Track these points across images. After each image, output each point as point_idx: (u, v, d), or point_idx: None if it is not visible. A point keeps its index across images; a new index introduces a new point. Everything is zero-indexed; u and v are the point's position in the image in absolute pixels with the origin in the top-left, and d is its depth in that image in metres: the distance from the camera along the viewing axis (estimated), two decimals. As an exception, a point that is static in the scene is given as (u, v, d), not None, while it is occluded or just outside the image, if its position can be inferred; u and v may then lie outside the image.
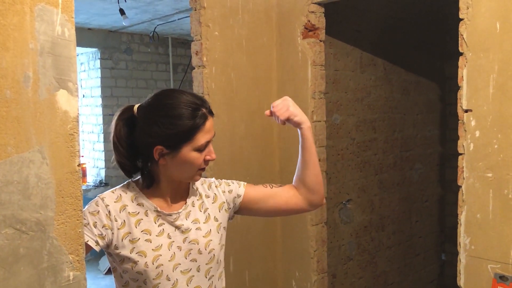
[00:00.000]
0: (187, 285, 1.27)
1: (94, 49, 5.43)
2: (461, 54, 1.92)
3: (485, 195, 1.88)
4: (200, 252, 1.29)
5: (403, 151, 3.46)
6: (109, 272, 4.96)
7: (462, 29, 1.90)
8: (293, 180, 1.48)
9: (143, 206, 1.27)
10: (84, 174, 5.51)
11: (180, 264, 1.26)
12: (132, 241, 1.23)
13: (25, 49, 0.81)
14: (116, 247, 1.23)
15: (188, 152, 1.22)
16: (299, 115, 1.38)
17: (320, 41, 2.54)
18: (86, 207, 1.23)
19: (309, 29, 2.51)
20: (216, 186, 1.42)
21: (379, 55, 3.22)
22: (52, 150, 0.85)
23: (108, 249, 1.25)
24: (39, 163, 0.83)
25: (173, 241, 1.26)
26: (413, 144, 3.54)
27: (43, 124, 0.83)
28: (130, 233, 1.23)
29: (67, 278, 0.88)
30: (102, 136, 5.49)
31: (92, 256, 5.35)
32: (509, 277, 1.81)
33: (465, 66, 1.91)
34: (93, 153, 5.68)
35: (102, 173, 5.54)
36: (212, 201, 1.39)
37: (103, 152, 5.49)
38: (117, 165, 1.28)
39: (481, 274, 1.90)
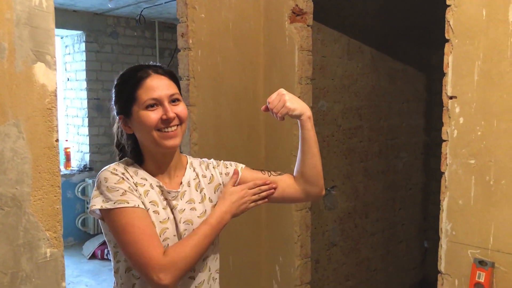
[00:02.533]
0: None
1: (79, 32, 5.34)
2: (447, 41, 1.92)
3: (467, 181, 1.89)
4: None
5: (388, 139, 3.48)
6: (92, 257, 4.93)
7: (449, 15, 1.90)
8: (294, 170, 1.47)
9: (146, 180, 1.25)
10: (68, 159, 5.44)
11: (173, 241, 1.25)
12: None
13: (1, 19, 0.79)
14: None
15: (138, 113, 1.21)
16: (298, 108, 1.37)
17: (308, 26, 2.52)
18: (105, 182, 1.18)
19: (297, 14, 2.49)
20: (213, 167, 1.41)
21: (366, 43, 3.21)
22: (29, 124, 0.83)
23: None
24: (14, 137, 0.81)
25: (170, 218, 1.26)
26: (398, 132, 3.56)
27: (20, 97, 0.81)
28: (142, 202, 1.20)
29: (44, 255, 0.86)
30: (86, 120, 5.42)
31: (76, 241, 5.32)
32: (488, 262, 1.83)
33: (450, 52, 1.91)
34: (77, 138, 5.61)
35: (87, 157, 5.48)
36: (208, 181, 1.37)
37: (88, 137, 5.43)
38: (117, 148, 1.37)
39: (461, 259, 1.92)
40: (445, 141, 1.96)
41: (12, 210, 0.80)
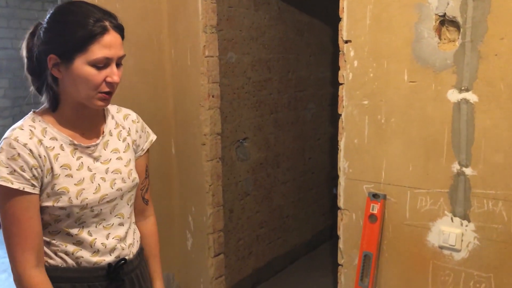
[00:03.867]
0: (110, 213, 1.28)
1: (-34, -17, 4.83)
2: (343, -14, 1.98)
3: (362, 121, 2.02)
4: (124, 181, 1.29)
5: (297, 91, 3.57)
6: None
7: (343, -40, 1.96)
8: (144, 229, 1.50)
9: (56, 140, 1.19)
10: None
11: (107, 194, 1.25)
12: (54, 177, 1.17)
13: None
14: (42, 185, 1.17)
15: (81, 65, 1.13)
16: None
17: (211, -27, 2.48)
18: (0, 154, 1.12)
19: (199, -40, 2.43)
20: (133, 121, 1.39)
21: (273, -6, 3.23)
22: None
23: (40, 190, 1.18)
24: None
25: (95, 173, 1.23)
26: (306, 84, 3.67)
27: None
28: (51, 168, 1.17)
29: None
30: (-18, 81, 5.00)
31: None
32: (381, 195, 1.99)
33: (345, -3, 1.98)
34: None
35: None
36: (127, 133, 1.35)
37: (-14, 99, 5.02)
38: (33, 87, 1.24)
39: (357, 194, 2.07)
40: (341, 84, 2.06)
41: None
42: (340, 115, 2.07)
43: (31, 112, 1.23)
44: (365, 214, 2.03)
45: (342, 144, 2.08)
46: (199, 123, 2.62)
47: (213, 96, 2.62)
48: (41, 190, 1.17)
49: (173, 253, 2.81)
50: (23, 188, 1.13)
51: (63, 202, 1.18)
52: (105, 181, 1.25)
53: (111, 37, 1.14)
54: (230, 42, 2.94)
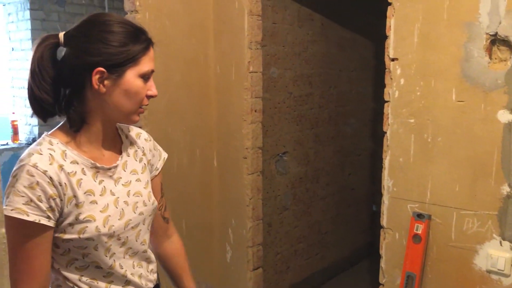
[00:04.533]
0: (136, 241, 1.19)
1: (22, -1, 5.09)
2: (390, 4, 1.98)
3: (407, 139, 1.99)
4: (145, 204, 1.21)
5: (338, 106, 3.57)
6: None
7: (391, -21, 1.96)
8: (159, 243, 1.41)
9: (77, 163, 1.08)
10: (16, 132, 5.24)
11: (131, 220, 1.16)
12: (78, 205, 1.07)
13: None
14: (61, 216, 1.06)
15: (133, 78, 1.08)
16: None
17: (257, -10, 2.53)
18: (16, 182, 1.01)
19: (246, -22, 2.48)
20: (146, 140, 1.31)
21: (316, 10, 3.25)
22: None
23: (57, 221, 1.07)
24: None
25: (118, 197, 1.14)
26: (347, 99, 3.66)
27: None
28: (74, 196, 1.06)
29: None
30: (34, 91, 5.22)
31: None
32: (425, 215, 1.95)
33: (392, 15, 1.98)
34: (25, 110, 5.40)
35: (35, 130, 5.30)
36: (142, 153, 1.27)
37: (36, 109, 5.24)
38: (33, 103, 1.08)
39: (401, 213, 2.04)
40: (387, 101, 2.05)
41: None
42: (385, 132, 2.06)
43: (44, 134, 1.12)
44: (409, 234, 2.00)
45: (386, 162, 2.07)
46: (241, 137, 2.66)
47: (255, 111, 2.66)
48: (60, 221, 1.06)
49: (212, 265, 2.84)
50: (39, 221, 1.02)
51: (90, 232, 1.07)
52: (128, 205, 1.16)
53: (152, 52, 1.13)
54: (273, 58, 2.98)
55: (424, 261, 1.98)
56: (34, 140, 5.28)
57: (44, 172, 1.01)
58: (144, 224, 1.21)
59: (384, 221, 2.10)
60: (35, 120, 5.29)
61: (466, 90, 1.80)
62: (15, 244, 1.04)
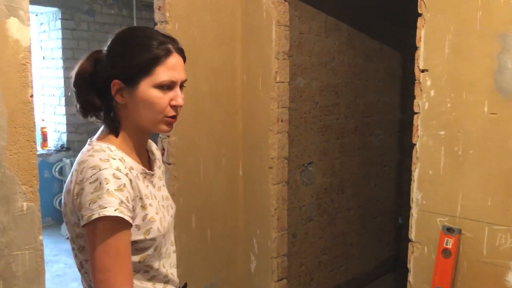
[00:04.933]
0: (169, 241, 1.26)
1: (54, 9, 5.23)
2: (420, 15, 1.96)
3: (437, 152, 1.96)
4: (172, 207, 1.29)
5: (364, 116, 3.54)
6: (71, 236, 4.91)
7: (422, -11, 1.94)
8: None
9: (133, 169, 1.13)
10: (45, 139, 5.37)
11: (169, 221, 1.24)
12: (143, 207, 1.12)
13: (-27, -28, 0.79)
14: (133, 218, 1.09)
15: (147, 89, 1.10)
16: None
17: (285, 1, 2.54)
18: (106, 185, 1.02)
19: (274, -12, 2.50)
20: (156, 149, 1.36)
21: (343, 20, 3.24)
22: (4, 79, 0.84)
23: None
24: (-11, 91, 0.82)
25: (158, 201, 1.21)
26: (374, 110, 3.62)
27: (-7, 52, 0.82)
28: (141, 198, 1.12)
29: (21, 208, 0.88)
30: (63, 99, 5.34)
31: (54, 221, 5.29)
32: (456, 229, 1.91)
33: (423, 26, 1.96)
34: (54, 117, 5.53)
35: (64, 137, 5.42)
36: (159, 162, 1.33)
37: (65, 116, 5.36)
38: (79, 105, 1.15)
39: (430, 227, 2.00)
40: (416, 113, 2.02)
41: (-13, 163, 0.81)
42: (414, 144, 2.03)
43: (94, 142, 1.15)
44: (438, 248, 1.96)
45: (415, 174, 2.03)
46: (267, 147, 2.66)
47: (282, 121, 2.66)
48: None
49: (237, 275, 2.83)
50: (131, 221, 1.06)
51: (153, 232, 1.12)
52: (164, 208, 1.23)
53: (175, 59, 1.13)
54: (300, 68, 2.98)
55: (454, 277, 1.93)
56: (62, 146, 5.39)
57: (126, 175, 1.06)
58: (172, 226, 1.29)
59: (412, 234, 2.07)
60: (64, 127, 5.41)
61: (499, 102, 1.76)
62: (109, 246, 1.02)
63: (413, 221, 2.07)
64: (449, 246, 1.92)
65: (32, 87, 0.89)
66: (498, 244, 1.80)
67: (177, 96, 1.14)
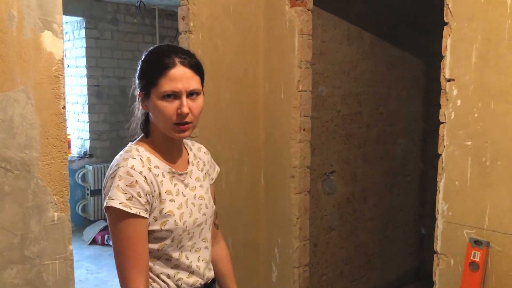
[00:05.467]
0: (199, 237, 1.38)
1: (79, 18, 5.33)
2: (446, 24, 1.94)
3: (464, 162, 1.92)
4: (207, 207, 1.41)
5: (387, 125, 3.50)
6: (93, 242, 4.97)
7: (448, -2, 1.91)
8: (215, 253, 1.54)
9: (159, 168, 1.30)
10: (68, 145, 5.45)
11: (197, 218, 1.35)
12: (162, 201, 1.27)
13: (10, -13, 0.80)
14: (150, 209, 1.26)
15: (155, 99, 1.24)
16: None
17: (308, 10, 2.54)
18: (119, 181, 1.21)
19: (297, -2, 2.50)
20: (205, 153, 1.51)
21: (366, 29, 3.22)
22: (37, 90, 0.86)
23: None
24: (23, 103, 0.83)
25: (187, 199, 1.34)
26: (397, 118, 3.59)
27: (28, 64, 0.83)
28: (159, 194, 1.27)
29: (52, 218, 0.89)
30: (86, 107, 5.43)
31: (77, 227, 5.36)
32: (483, 242, 1.87)
33: (449, 35, 1.93)
34: (77, 124, 5.63)
35: (87, 144, 5.51)
36: (203, 164, 1.47)
37: (88, 123, 5.44)
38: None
39: (456, 239, 1.96)
40: (442, 123, 1.99)
41: (21, 173, 0.82)
42: (440, 154, 1.99)
43: (130, 144, 1.34)
44: (465, 261, 1.91)
45: (441, 185, 2.00)
46: (289, 156, 2.65)
47: (304, 130, 2.65)
48: (149, 214, 1.26)
49: (258, 284, 2.82)
50: (139, 213, 1.21)
51: (169, 225, 1.27)
52: (194, 206, 1.36)
53: (178, 71, 1.23)
54: (322, 76, 2.97)
55: (482, 291, 1.88)
56: (85, 153, 5.47)
57: (140, 173, 1.23)
58: (206, 224, 1.40)
59: (438, 246, 2.03)
60: (87, 134, 5.49)
61: (528, 112, 1.72)
62: (122, 234, 1.22)
63: (438, 233, 2.03)
64: (477, 259, 1.88)
65: (64, 99, 0.90)
66: (528, 258, 1.76)
67: (182, 105, 1.24)
